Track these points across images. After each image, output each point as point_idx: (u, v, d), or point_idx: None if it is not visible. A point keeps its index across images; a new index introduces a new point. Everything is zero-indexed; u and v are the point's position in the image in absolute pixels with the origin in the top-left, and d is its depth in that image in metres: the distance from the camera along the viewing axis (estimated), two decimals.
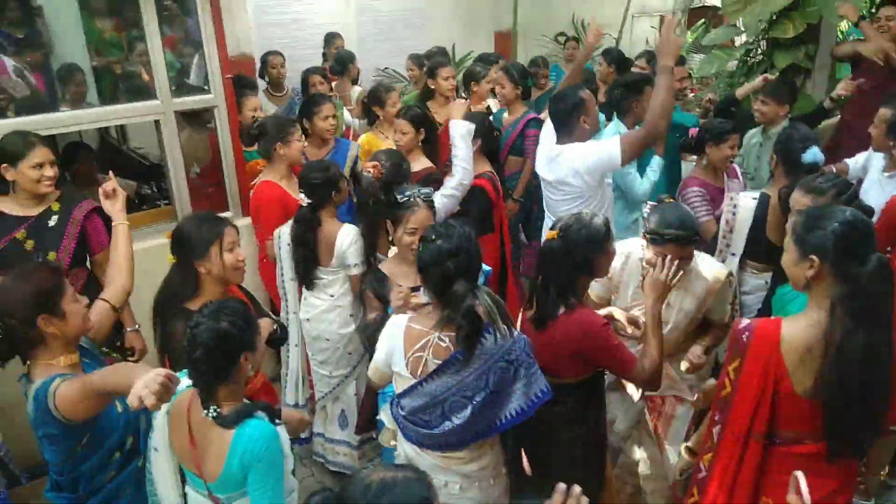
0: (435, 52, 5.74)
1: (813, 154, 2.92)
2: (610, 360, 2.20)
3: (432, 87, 4.57)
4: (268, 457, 1.76)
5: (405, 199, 2.56)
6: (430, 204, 2.63)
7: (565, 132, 3.13)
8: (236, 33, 6.38)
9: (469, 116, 3.55)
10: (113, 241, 2.38)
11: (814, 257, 1.77)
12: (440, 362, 2.02)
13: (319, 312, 3.05)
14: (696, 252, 2.53)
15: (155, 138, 3.68)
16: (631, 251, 2.63)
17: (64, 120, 3.35)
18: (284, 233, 3.08)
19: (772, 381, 1.81)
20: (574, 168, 3.04)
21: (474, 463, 2.12)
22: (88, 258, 2.94)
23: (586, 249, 2.17)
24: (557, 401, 2.13)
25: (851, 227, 1.75)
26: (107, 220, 2.92)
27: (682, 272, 2.38)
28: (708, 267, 2.58)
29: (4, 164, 2.66)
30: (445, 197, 3.20)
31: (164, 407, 1.78)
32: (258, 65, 5.41)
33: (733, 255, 3.15)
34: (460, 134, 3.29)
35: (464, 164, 3.26)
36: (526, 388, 2.03)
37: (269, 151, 3.36)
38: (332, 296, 3.03)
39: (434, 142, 3.66)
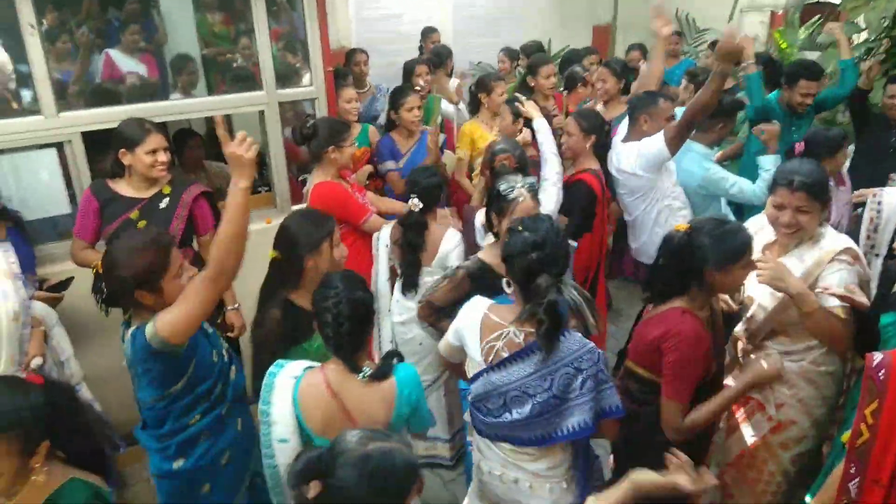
0: (531, 47, 5.68)
1: None
2: (667, 374, 2.06)
3: (531, 84, 4.53)
4: (420, 387, 2.02)
5: (510, 190, 2.53)
6: (534, 194, 2.59)
7: (630, 128, 3.46)
8: (337, 27, 6.57)
9: (584, 113, 3.54)
10: (227, 210, 1.97)
11: None
12: (508, 354, 2.01)
13: (415, 316, 3.08)
14: (826, 224, 2.40)
15: (257, 128, 3.83)
16: (763, 227, 2.51)
17: (175, 108, 3.54)
18: (385, 234, 3.14)
19: None
20: (631, 164, 3.36)
21: (543, 461, 2.08)
22: (195, 239, 3.10)
23: (703, 262, 2.03)
24: (648, 402, 2.08)
25: None
26: (213, 204, 3.08)
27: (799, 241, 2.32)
28: (830, 238, 2.37)
29: (122, 150, 2.84)
30: (554, 185, 3.20)
31: (287, 407, 1.92)
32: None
33: (877, 256, 2.90)
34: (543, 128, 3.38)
35: (550, 152, 3.29)
36: (594, 402, 1.96)
37: (320, 153, 3.30)
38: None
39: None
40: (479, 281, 2.51)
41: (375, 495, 1.39)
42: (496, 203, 2.56)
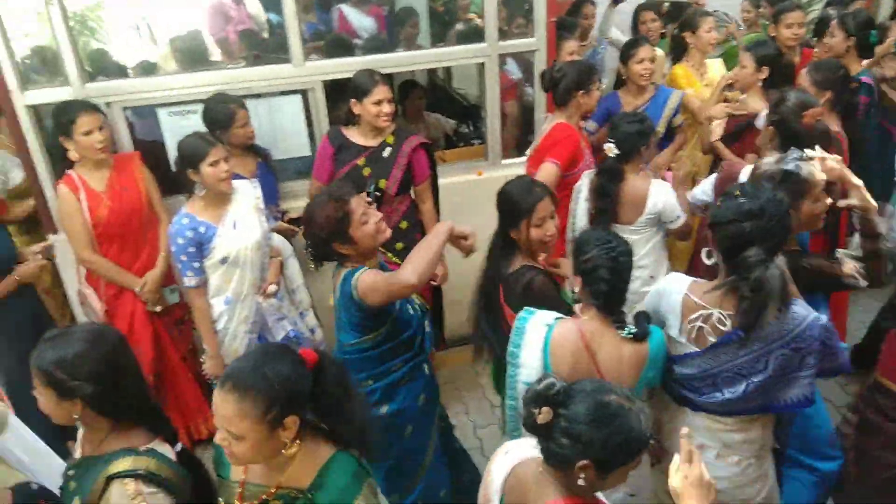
0: None
1: None
2: None
3: (773, 35, 4.06)
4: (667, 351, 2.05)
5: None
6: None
7: None
8: None
9: (819, 64, 3.17)
10: (430, 238, 2.24)
11: None
12: (715, 340, 1.90)
13: None
14: None
15: (474, 80, 3.89)
16: None
17: (401, 60, 3.70)
18: (584, 185, 3.07)
19: None
20: None
21: (739, 434, 1.99)
22: (413, 187, 3.27)
23: None
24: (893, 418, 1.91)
25: None
26: (430, 155, 3.24)
27: None
28: None
29: (353, 99, 3.06)
30: None
31: (537, 352, 2.03)
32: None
33: None
34: None
35: None
36: (811, 378, 1.83)
37: (567, 97, 3.26)
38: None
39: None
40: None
41: (601, 443, 1.40)
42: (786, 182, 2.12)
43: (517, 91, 4.40)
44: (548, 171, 3.11)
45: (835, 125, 3.03)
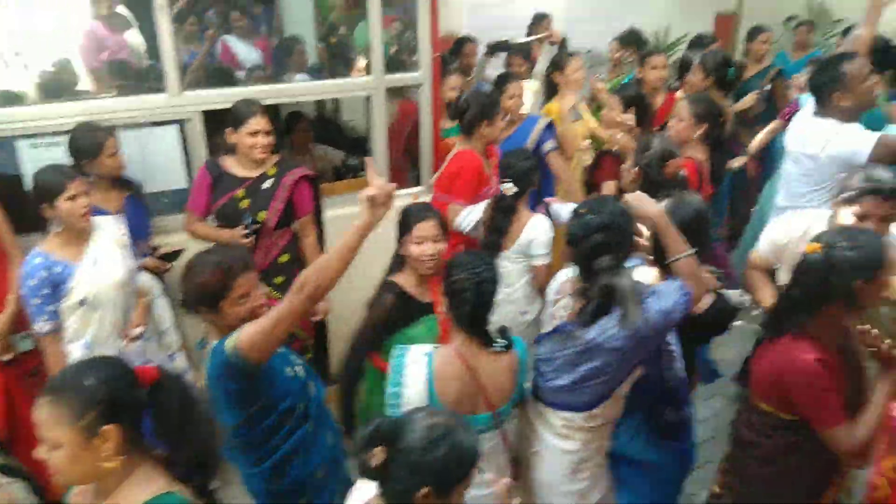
0: (626, 36, 5.33)
1: None
2: (810, 412, 1.90)
3: (640, 76, 4.34)
4: None
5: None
6: None
7: (820, 105, 3.04)
8: (448, 13, 6.57)
9: (697, 98, 3.40)
10: (340, 245, 1.88)
11: None
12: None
13: None
14: None
15: (363, 112, 3.88)
16: (812, 225, 2.34)
17: (285, 91, 3.63)
18: (475, 213, 3.13)
19: None
20: (818, 145, 2.95)
21: (594, 431, 2.09)
22: (294, 220, 3.15)
23: (851, 276, 1.84)
24: (768, 434, 2.00)
25: None
26: (315, 188, 3.16)
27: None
28: None
29: (229, 128, 2.96)
30: None
31: (421, 384, 2.01)
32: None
33: None
34: None
35: None
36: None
37: (472, 127, 3.37)
38: (507, 285, 3.00)
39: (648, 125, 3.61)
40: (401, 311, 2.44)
41: (438, 465, 1.43)
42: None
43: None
44: (454, 212, 3.27)
45: (702, 155, 3.25)
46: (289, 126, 4.36)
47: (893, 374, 1.89)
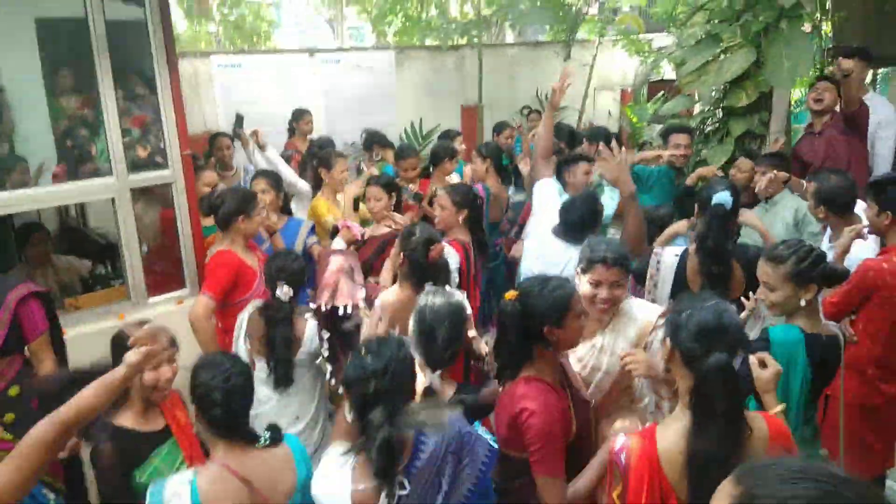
0: (370, 137, 5.50)
1: (722, 196, 2.90)
2: (533, 451, 1.97)
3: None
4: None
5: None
6: None
7: (573, 235, 3.23)
8: (203, 111, 6.47)
9: (455, 189, 3.60)
10: (98, 384, 1.73)
11: (669, 341, 1.75)
12: None
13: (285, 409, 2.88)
14: (631, 296, 2.54)
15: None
16: None
17: (16, 199, 3.24)
18: (245, 320, 2.91)
19: (659, 499, 1.65)
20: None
21: None
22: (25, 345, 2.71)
23: (540, 321, 2.02)
24: (517, 477, 2.04)
25: (704, 320, 1.69)
26: (47, 305, 2.76)
27: (613, 314, 2.43)
28: (640, 309, 2.51)
29: None
30: None
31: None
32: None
33: None
34: None
35: None
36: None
37: (228, 222, 3.25)
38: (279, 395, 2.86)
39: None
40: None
41: None
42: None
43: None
44: (201, 304, 3.08)
45: (466, 236, 3.51)
46: (23, 239, 3.87)
47: (605, 451, 1.99)
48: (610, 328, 2.45)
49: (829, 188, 3.14)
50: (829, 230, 3.32)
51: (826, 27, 6.00)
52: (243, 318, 2.93)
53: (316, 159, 4.42)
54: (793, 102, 6.21)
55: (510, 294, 2.10)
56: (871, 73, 7.39)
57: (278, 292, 2.75)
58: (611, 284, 2.40)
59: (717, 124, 5.02)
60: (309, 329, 2.84)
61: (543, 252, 3.31)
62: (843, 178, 3.18)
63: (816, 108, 4.39)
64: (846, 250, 2.88)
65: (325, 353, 2.81)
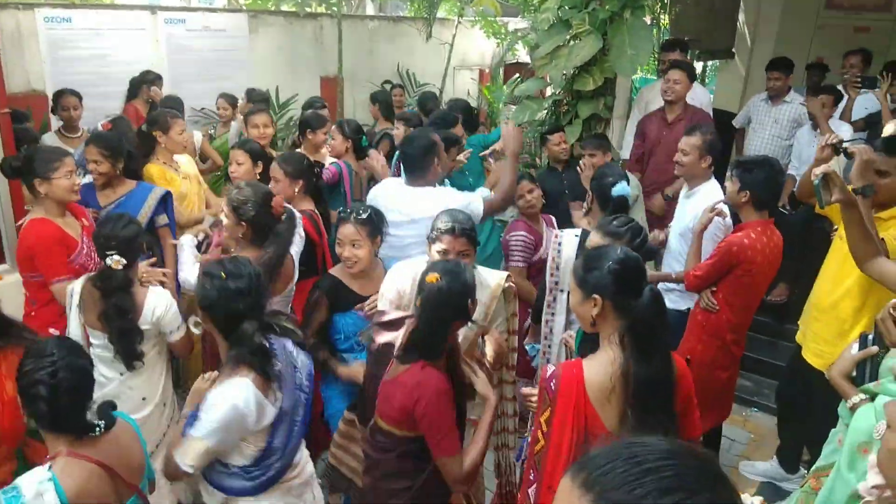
0: (252, 93, 5.52)
1: (621, 188, 3.08)
2: (431, 435, 2.04)
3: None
4: None
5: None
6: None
7: (418, 174, 3.20)
8: (26, 68, 5.78)
9: (287, 157, 3.45)
10: None
11: (596, 296, 1.85)
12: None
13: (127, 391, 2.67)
14: (477, 266, 2.64)
15: None
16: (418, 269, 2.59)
17: None
18: (76, 291, 2.65)
19: (583, 425, 1.79)
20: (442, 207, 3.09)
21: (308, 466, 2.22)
22: None
23: (465, 297, 2.07)
24: (388, 450, 2.09)
25: (625, 264, 1.86)
26: None
27: None
28: (489, 275, 2.66)
29: None
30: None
31: None
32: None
33: (562, 291, 3.18)
34: None
35: None
36: None
37: (30, 188, 2.94)
38: (121, 374, 2.66)
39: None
40: (336, 296, 2.76)
41: None
42: None
43: None
44: (59, 295, 2.83)
45: (310, 205, 3.41)
46: None
47: (491, 406, 2.13)
48: None
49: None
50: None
51: (664, 20, 6.48)
52: (73, 289, 2.67)
53: (148, 122, 3.99)
54: (634, 89, 6.66)
55: (433, 276, 2.07)
56: (700, 65, 8.14)
57: (108, 261, 2.52)
58: (458, 254, 2.52)
59: (567, 107, 5.28)
60: (150, 299, 2.63)
61: (393, 196, 3.23)
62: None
63: (668, 97, 4.48)
64: (705, 227, 3.16)
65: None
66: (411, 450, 2.09)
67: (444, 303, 2.04)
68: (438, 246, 2.53)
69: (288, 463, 2.13)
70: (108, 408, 1.84)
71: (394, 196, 3.21)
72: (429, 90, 7.87)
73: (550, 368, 1.88)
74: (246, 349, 1.97)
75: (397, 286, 2.62)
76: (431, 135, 3.28)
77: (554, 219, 3.94)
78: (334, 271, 2.89)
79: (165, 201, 3.55)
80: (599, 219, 2.82)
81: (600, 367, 1.83)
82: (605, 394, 1.80)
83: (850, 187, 2.37)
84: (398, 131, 4.79)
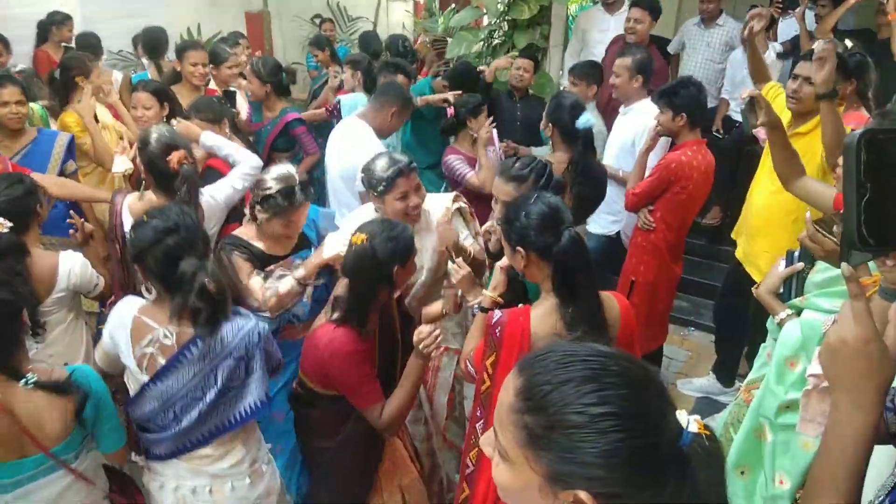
0: (154, 31, 4.93)
1: (585, 120, 3.00)
2: (348, 391, 2.04)
3: (178, 69, 4.09)
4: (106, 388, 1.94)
5: None
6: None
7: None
8: None
9: (200, 101, 3.29)
10: None
11: (520, 248, 1.86)
12: (165, 362, 1.87)
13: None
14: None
15: None
16: (363, 216, 2.54)
17: None
18: None
19: None
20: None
21: (224, 461, 1.99)
22: None
23: (391, 262, 2.00)
24: (314, 405, 2.09)
25: (540, 213, 1.85)
26: None
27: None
28: (435, 202, 2.64)
29: None
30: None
31: None
32: None
33: None
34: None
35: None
36: (263, 381, 1.96)
37: None
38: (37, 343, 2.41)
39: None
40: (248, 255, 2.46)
41: None
42: None
43: None
44: None
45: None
46: None
47: (421, 355, 2.02)
48: (417, 228, 2.49)
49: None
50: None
51: None
52: None
53: (65, 66, 3.68)
54: (568, 17, 6.57)
55: (359, 237, 2.01)
56: None
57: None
58: (415, 189, 2.47)
59: (503, 37, 5.18)
60: (64, 264, 2.44)
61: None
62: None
63: (631, 39, 4.38)
64: (651, 148, 3.23)
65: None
66: (338, 408, 2.09)
67: (367, 266, 1.99)
68: (394, 192, 2.42)
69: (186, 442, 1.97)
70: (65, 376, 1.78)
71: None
72: (366, 28, 7.61)
73: (497, 314, 1.87)
74: (187, 293, 1.80)
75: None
76: None
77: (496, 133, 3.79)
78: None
79: (71, 147, 3.30)
80: (501, 164, 2.70)
81: (542, 313, 1.85)
82: (549, 341, 1.78)
83: (815, 92, 2.42)
84: (346, 75, 4.61)
